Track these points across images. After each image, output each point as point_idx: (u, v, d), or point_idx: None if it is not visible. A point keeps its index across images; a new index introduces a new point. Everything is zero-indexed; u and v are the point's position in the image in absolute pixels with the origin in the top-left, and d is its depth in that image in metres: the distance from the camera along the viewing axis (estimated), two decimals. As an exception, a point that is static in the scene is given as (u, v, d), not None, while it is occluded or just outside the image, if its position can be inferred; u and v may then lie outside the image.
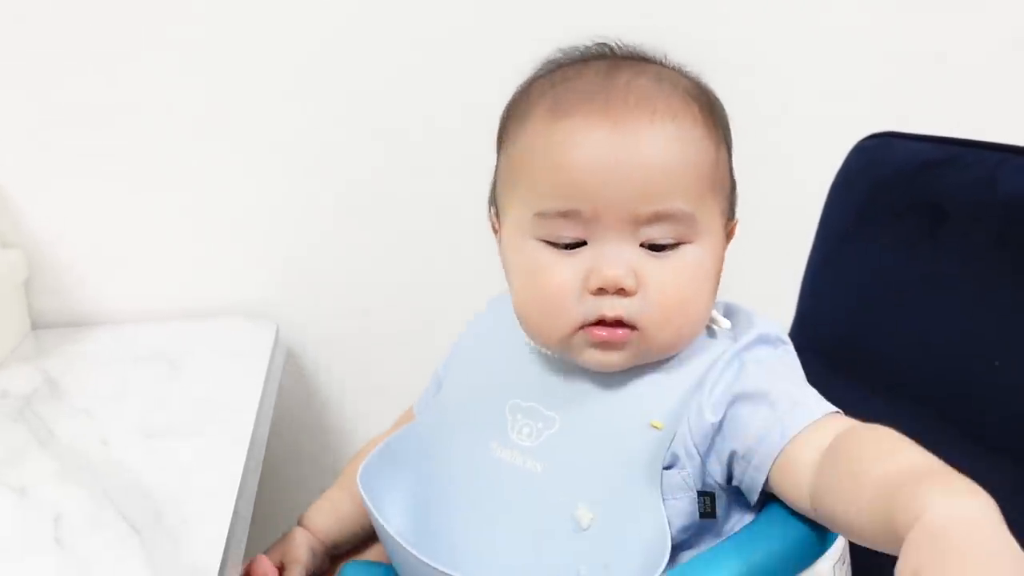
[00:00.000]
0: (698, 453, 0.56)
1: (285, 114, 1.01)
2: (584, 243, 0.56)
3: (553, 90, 0.58)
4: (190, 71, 0.98)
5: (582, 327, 0.56)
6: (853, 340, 0.77)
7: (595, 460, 0.57)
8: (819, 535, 0.53)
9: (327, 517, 0.72)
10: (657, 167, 0.55)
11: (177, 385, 0.86)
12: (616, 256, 0.55)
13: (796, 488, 0.52)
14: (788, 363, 0.60)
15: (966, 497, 0.41)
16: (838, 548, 0.55)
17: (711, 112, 0.59)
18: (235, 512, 0.62)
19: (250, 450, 0.72)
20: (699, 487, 0.56)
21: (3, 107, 0.96)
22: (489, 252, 0.64)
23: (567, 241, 0.56)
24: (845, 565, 0.56)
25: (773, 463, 0.53)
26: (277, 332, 1.00)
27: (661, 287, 0.55)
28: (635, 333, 0.56)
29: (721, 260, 0.59)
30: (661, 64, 0.61)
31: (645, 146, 0.55)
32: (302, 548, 0.70)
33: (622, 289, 0.55)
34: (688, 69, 0.61)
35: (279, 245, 1.05)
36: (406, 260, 1.07)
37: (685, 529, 0.56)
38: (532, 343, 0.61)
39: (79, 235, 1.01)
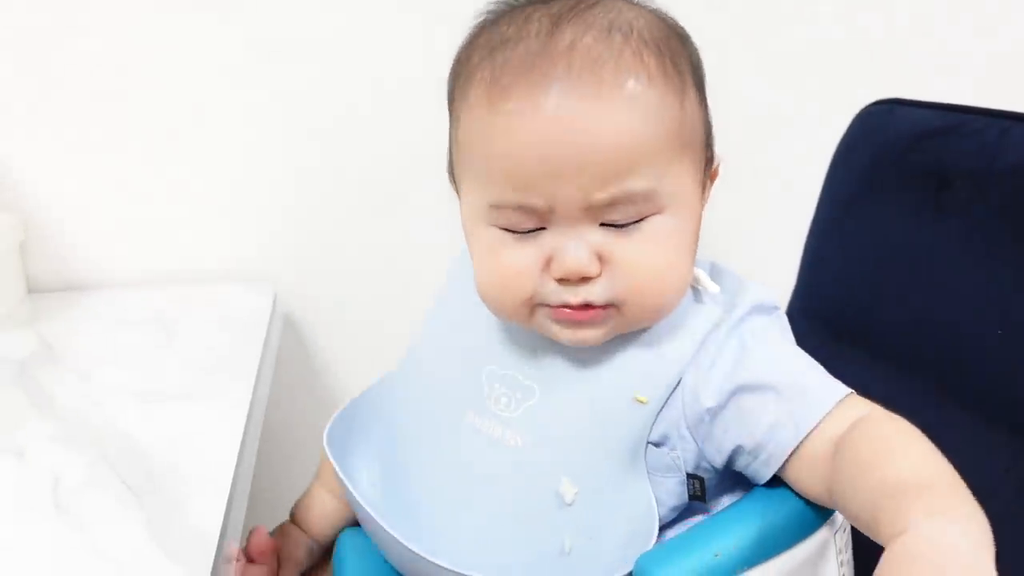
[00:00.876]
0: (692, 438, 0.54)
1: (281, 78, 1.00)
2: (544, 227, 0.53)
3: (491, 58, 0.53)
4: (187, 35, 0.97)
5: (545, 306, 0.54)
6: (854, 308, 0.77)
7: (578, 434, 0.55)
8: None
9: (314, 515, 0.71)
10: (609, 148, 0.50)
11: (175, 350, 0.86)
12: (576, 242, 0.52)
13: (814, 480, 0.51)
14: (783, 328, 0.58)
15: (953, 522, 0.40)
16: (839, 516, 0.54)
17: (672, 58, 0.52)
18: (235, 478, 0.62)
19: (249, 416, 0.72)
20: (689, 470, 0.54)
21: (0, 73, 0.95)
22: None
23: (525, 228, 0.53)
24: (846, 534, 0.56)
25: (787, 460, 0.52)
26: (275, 298, 1.00)
27: (629, 265, 0.52)
28: (610, 310, 0.53)
29: (697, 218, 0.56)
30: None
31: (594, 127, 0.49)
32: (301, 549, 0.70)
33: (586, 276, 0.52)
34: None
35: (277, 210, 1.04)
36: (404, 225, 1.06)
37: (674, 508, 0.55)
38: None
39: (76, 198, 1.00)
